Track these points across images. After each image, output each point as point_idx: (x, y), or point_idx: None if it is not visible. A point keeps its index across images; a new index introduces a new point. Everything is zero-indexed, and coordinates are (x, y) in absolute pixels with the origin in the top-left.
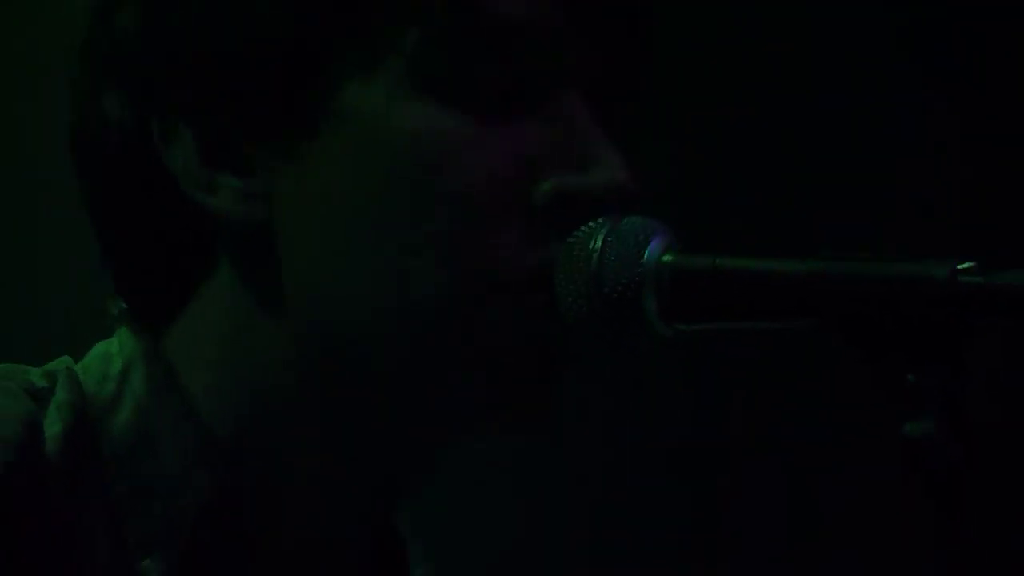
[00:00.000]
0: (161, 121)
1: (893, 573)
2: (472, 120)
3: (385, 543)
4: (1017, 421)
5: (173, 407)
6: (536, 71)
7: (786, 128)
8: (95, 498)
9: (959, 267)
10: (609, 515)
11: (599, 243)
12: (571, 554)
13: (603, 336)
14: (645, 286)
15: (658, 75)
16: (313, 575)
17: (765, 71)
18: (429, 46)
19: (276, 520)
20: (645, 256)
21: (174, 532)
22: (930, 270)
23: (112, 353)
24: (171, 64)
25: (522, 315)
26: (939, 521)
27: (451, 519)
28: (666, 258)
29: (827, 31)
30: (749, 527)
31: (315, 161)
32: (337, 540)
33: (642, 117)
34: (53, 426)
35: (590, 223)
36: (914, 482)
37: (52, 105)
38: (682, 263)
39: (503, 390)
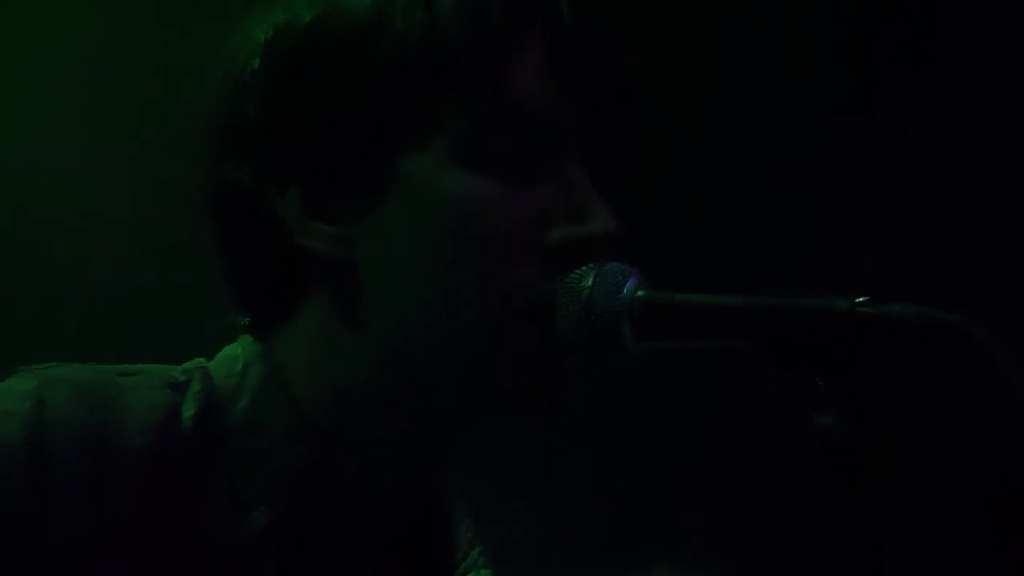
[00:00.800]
0: (276, 184)
1: None
2: (499, 184)
3: (434, 500)
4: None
5: (279, 396)
6: (547, 146)
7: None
8: (218, 464)
9: (858, 300)
10: None
11: (589, 282)
12: None
13: (591, 351)
14: (622, 315)
15: None
16: (377, 524)
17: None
18: (468, 129)
19: (352, 483)
20: (623, 292)
21: (277, 491)
22: (835, 303)
23: (236, 355)
24: (282, 143)
25: (534, 334)
26: (840, 489)
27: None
28: (639, 294)
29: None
30: None
31: (383, 215)
32: (395, 498)
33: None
34: (188, 410)
35: (582, 267)
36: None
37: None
38: (649, 298)
39: (520, 388)
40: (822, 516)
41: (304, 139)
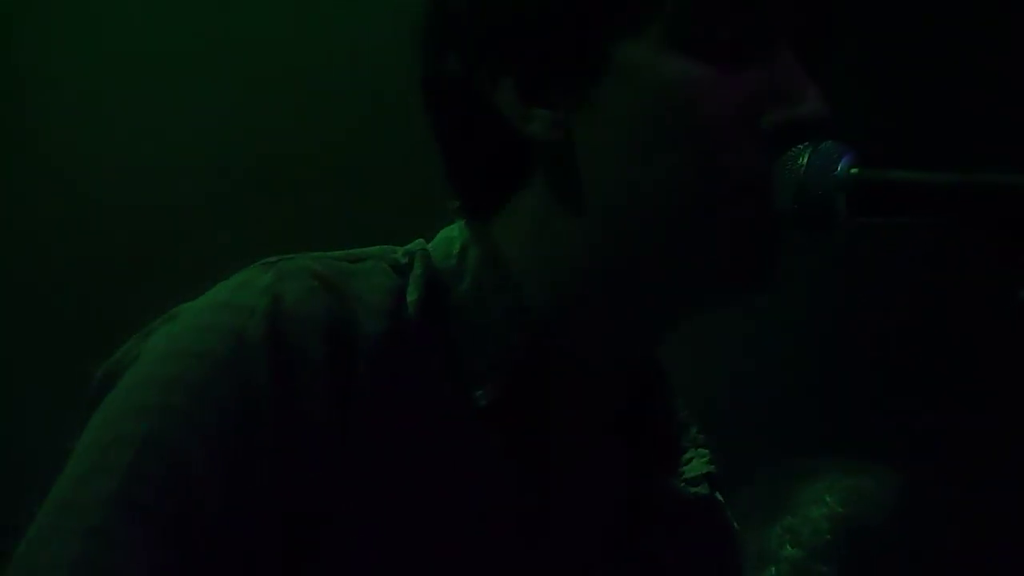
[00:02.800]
0: (489, 73)
1: None
2: (713, 68)
3: (651, 379)
4: None
5: (498, 278)
6: (758, 29)
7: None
8: (442, 346)
9: None
10: None
11: (805, 160)
12: None
13: (807, 226)
14: (837, 190)
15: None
16: (596, 404)
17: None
18: (684, 14)
19: (571, 364)
20: (838, 169)
21: (498, 371)
22: None
23: (453, 237)
24: (495, 32)
25: (751, 208)
26: None
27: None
28: (852, 171)
29: None
30: None
31: (600, 100)
32: (614, 378)
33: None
34: (412, 294)
35: (798, 145)
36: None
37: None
38: (863, 174)
39: (738, 260)
40: None
41: (520, 26)
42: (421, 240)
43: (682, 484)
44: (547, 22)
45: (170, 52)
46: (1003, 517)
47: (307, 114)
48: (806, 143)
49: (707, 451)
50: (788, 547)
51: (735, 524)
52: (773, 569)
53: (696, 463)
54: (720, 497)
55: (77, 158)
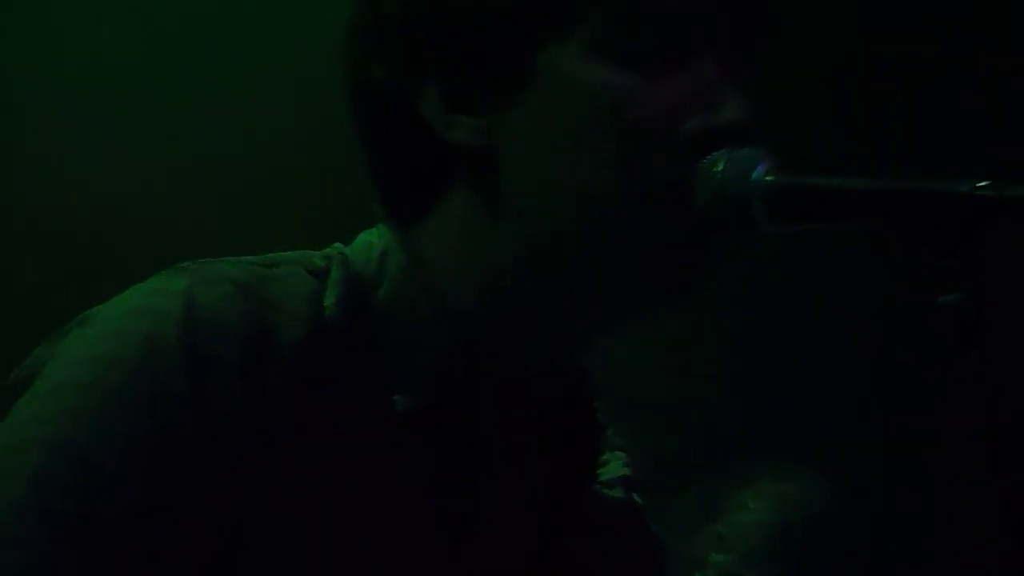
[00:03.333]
0: (414, 80)
1: None
2: (638, 77)
3: (575, 383)
4: None
5: (419, 284)
6: (681, 38)
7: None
8: (363, 352)
9: (979, 183)
10: None
11: (721, 166)
12: None
13: (725, 233)
14: (753, 197)
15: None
16: (521, 409)
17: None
18: (608, 23)
19: (495, 370)
20: (755, 175)
21: (423, 375)
22: (957, 185)
23: (373, 242)
24: (419, 39)
25: (672, 215)
26: (963, 356)
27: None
28: (768, 177)
29: None
30: None
31: (524, 107)
32: (539, 383)
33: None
34: (329, 298)
35: (717, 151)
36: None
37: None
38: (779, 180)
39: (661, 261)
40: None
41: (444, 34)
42: (339, 244)
43: (600, 487)
44: (472, 31)
45: (160, 51)
46: (935, 520)
47: (302, 116)
48: (724, 150)
49: (623, 454)
50: (715, 553)
51: (653, 527)
52: (698, 575)
53: (613, 465)
54: (638, 499)
55: (57, 159)
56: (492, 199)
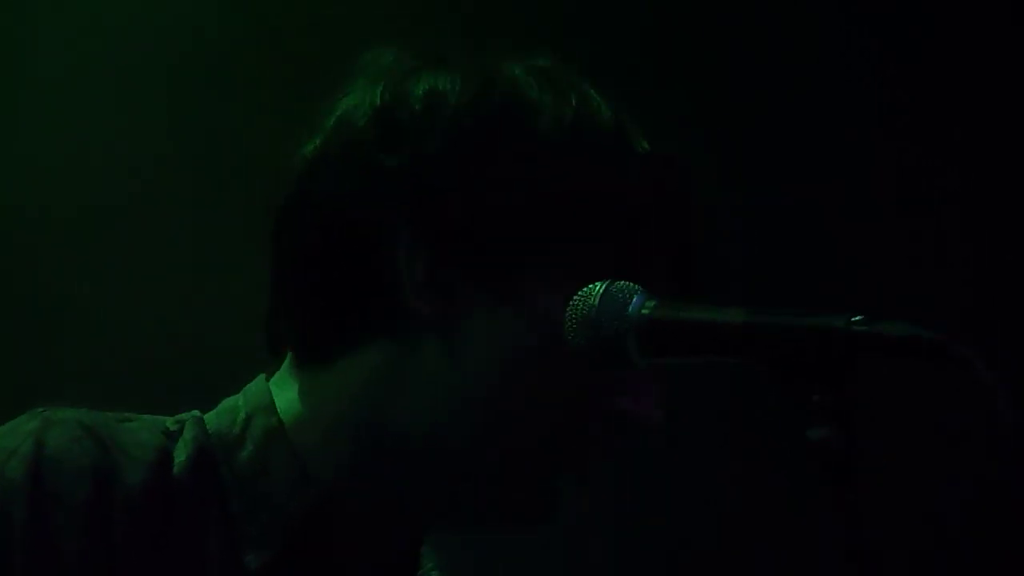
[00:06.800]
0: (413, 242)
1: None
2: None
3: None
4: None
5: (282, 448)
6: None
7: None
8: (214, 509)
9: (853, 319)
10: None
11: (596, 300)
12: None
13: (601, 364)
14: (628, 332)
15: None
16: (377, 555)
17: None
18: (566, 264)
19: (349, 534)
20: (629, 309)
21: (272, 536)
22: (831, 320)
23: (238, 406)
24: (454, 221)
25: (546, 473)
26: (834, 498)
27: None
28: (643, 311)
29: None
30: None
31: (490, 313)
32: (388, 549)
33: None
34: (179, 456)
35: (590, 285)
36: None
37: None
38: (654, 315)
39: (522, 503)
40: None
41: (471, 225)
42: (196, 411)
43: None
44: (499, 231)
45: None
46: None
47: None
48: (598, 283)
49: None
50: None
51: None
52: None
53: None
54: None
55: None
56: (412, 371)
